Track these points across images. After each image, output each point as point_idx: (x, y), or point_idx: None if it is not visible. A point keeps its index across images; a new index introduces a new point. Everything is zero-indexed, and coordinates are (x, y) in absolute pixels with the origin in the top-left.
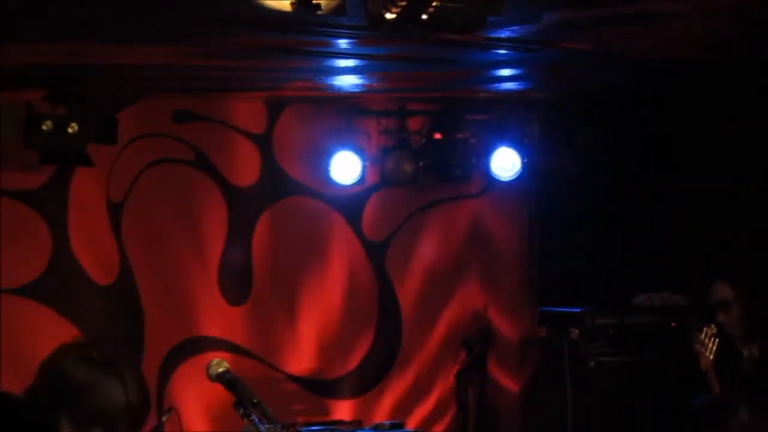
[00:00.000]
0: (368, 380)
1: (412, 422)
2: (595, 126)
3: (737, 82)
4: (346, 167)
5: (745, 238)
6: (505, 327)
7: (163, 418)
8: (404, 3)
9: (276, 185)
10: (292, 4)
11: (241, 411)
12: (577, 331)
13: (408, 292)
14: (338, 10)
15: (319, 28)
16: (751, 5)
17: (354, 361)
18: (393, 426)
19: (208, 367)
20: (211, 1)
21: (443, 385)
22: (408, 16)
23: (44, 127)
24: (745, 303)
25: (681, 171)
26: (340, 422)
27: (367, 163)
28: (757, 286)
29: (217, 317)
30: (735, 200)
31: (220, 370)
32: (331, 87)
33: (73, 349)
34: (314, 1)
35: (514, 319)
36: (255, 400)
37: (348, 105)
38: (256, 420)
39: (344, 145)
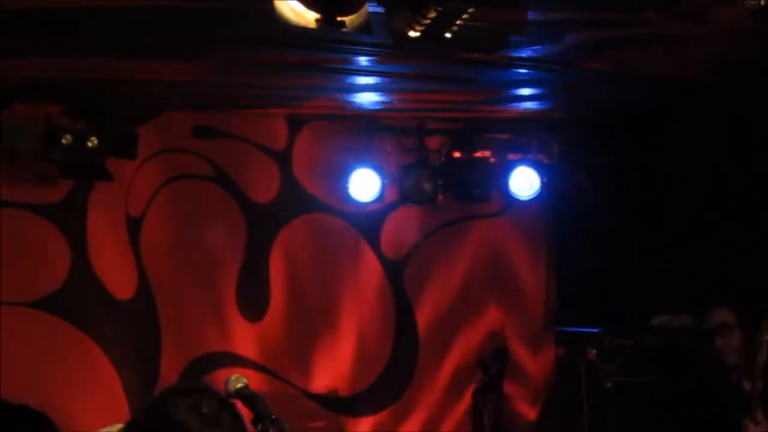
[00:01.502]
0: (385, 398)
1: None
2: (613, 146)
3: (754, 104)
4: (365, 185)
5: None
6: (522, 347)
7: None
8: (429, 21)
9: (295, 202)
10: (316, 20)
11: (260, 427)
12: (594, 352)
13: (426, 310)
14: (363, 28)
15: (341, 45)
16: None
17: (371, 378)
18: None
19: (226, 383)
20: (235, 18)
21: (460, 405)
22: (432, 34)
23: (64, 141)
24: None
25: (699, 192)
26: None
27: (386, 181)
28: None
29: (235, 333)
30: (758, 220)
31: (239, 385)
32: (352, 104)
33: (184, 395)
34: (339, 18)
35: (531, 339)
36: (273, 417)
37: (368, 123)
38: None
39: (363, 163)
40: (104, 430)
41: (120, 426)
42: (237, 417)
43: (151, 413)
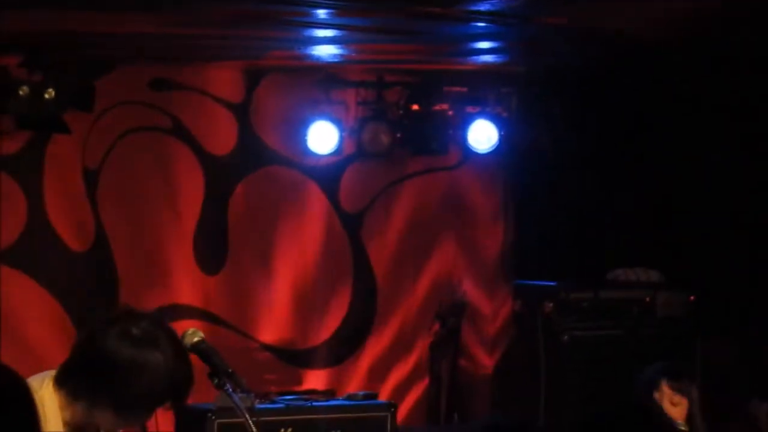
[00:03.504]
0: (342, 350)
1: (385, 393)
2: (572, 101)
3: (715, 63)
4: (323, 137)
5: (722, 215)
6: (479, 300)
7: None
8: None
9: (253, 154)
10: None
11: (216, 381)
12: (551, 305)
13: (383, 263)
14: None
15: None
16: None
17: (328, 331)
18: (366, 396)
19: (182, 337)
20: None
21: (417, 357)
22: None
23: (21, 93)
24: None
25: (657, 146)
26: (314, 392)
27: (344, 134)
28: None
29: (193, 286)
30: (712, 177)
31: (195, 339)
32: (310, 57)
33: (112, 323)
34: None
35: (488, 292)
36: (230, 370)
37: (326, 75)
38: (230, 390)
39: (321, 116)
40: (42, 374)
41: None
42: (172, 335)
43: (81, 349)
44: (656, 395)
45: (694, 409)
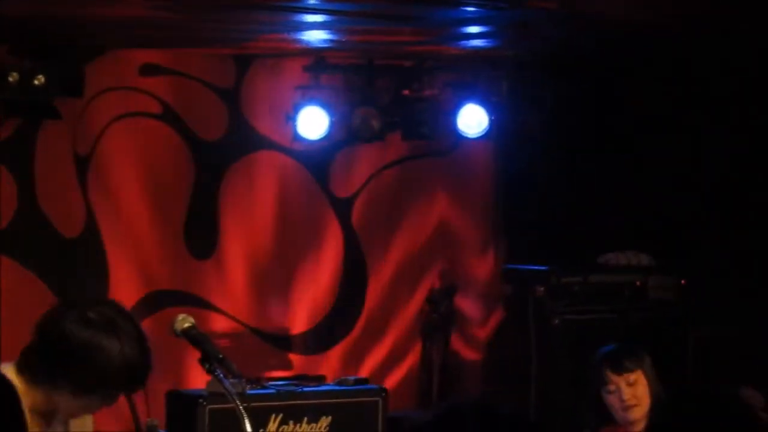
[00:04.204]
0: (334, 336)
1: (375, 378)
2: (562, 85)
3: (706, 46)
4: (313, 123)
5: (713, 198)
6: (470, 284)
7: None
8: None
9: (243, 140)
10: None
11: (207, 367)
12: (542, 289)
13: (374, 248)
14: None
15: None
16: None
17: (320, 316)
18: (357, 381)
19: (173, 323)
20: None
21: (408, 342)
22: None
23: (10, 79)
24: None
25: (647, 130)
26: (305, 377)
27: (334, 119)
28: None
29: (184, 271)
30: (703, 160)
31: (186, 325)
32: (299, 42)
33: (70, 308)
34: None
35: (479, 276)
36: (220, 356)
37: (316, 61)
38: (221, 375)
39: (311, 101)
40: (6, 363)
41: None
42: (131, 321)
43: (39, 333)
44: (608, 389)
45: (651, 374)
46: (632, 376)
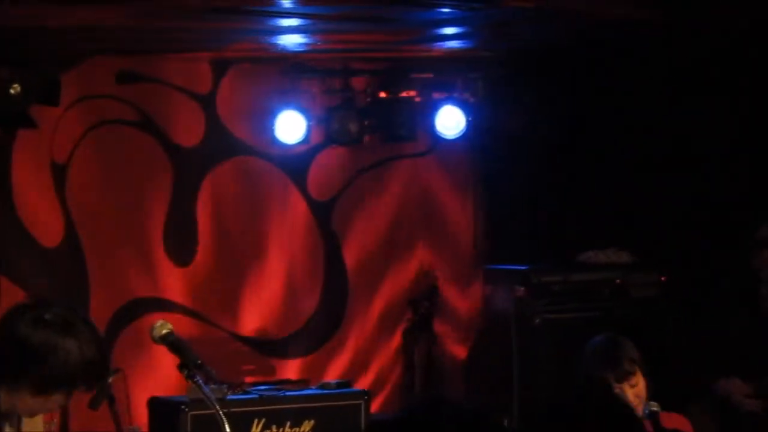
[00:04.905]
0: (316, 340)
1: (358, 381)
2: (539, 84)
3: (686, 41)
4: (290, 127)
5: (692, 195)
6: (451, 286)
7: (110, 380)
8: None
9: (221, 145)
10: None
11: (186, 373)
12: (522, 289)
13: (354, 251)
14: None
15: None
16: None
17: (301, 320)
18: (339, 385)
19: (151, 330)
20: None
21: (390, 345)
22: None
23: None
24: None
25: (627, 127)
26: (287, 381)
27: (311, 123)
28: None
29: (163, 278)
30: (682, 157)
31: (164, 332)
32: (276, 47)
33: (25, 310)
34: None
35: (460, 277)
36: (199, 362)
37: (292, 65)
38: (200, 381)
39: (289, 105)
40: None
41: None
42: (87, 322)
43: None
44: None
45: (643, 366)
46: (634, 379)
